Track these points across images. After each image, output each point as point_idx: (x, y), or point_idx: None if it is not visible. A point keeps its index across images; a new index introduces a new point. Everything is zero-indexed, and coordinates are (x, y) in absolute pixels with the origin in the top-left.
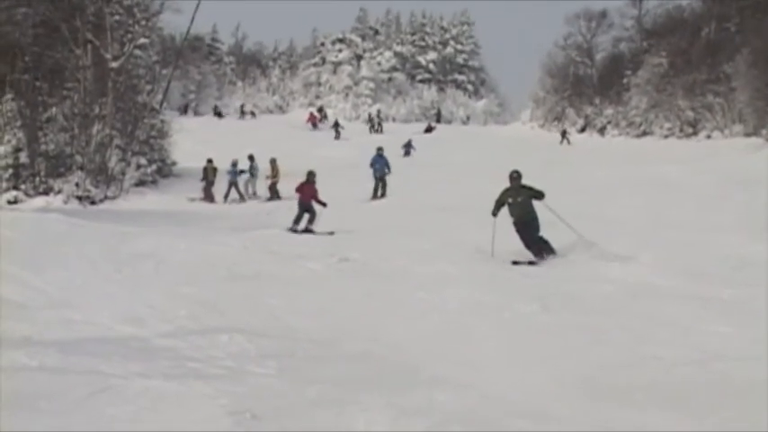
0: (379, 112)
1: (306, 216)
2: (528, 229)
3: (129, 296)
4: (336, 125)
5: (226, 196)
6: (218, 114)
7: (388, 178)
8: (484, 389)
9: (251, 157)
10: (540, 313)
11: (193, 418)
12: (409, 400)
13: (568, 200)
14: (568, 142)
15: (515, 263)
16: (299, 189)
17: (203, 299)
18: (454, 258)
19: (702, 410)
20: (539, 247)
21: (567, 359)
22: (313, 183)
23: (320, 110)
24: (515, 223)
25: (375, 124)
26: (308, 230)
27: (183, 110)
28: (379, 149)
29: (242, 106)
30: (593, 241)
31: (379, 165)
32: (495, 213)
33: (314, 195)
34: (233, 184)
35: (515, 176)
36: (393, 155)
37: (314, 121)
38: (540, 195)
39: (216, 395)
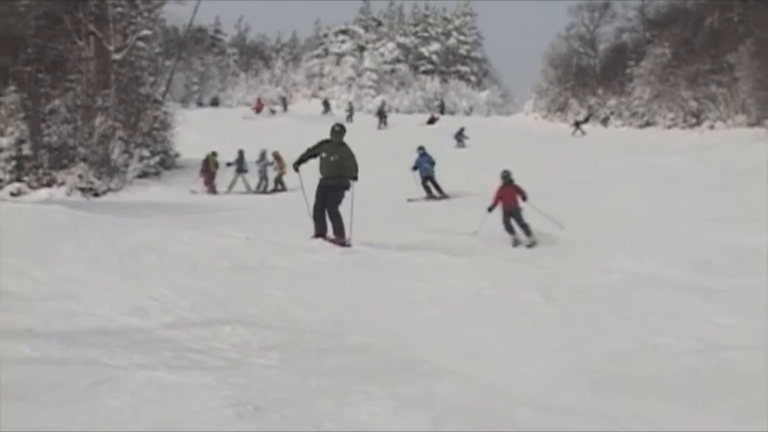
0: (383, 103)
1: (518, 229)
2: (329, 194)
3: (132, 288)
4: (381, 114)
5: (258, 187)
6: (284, 104)
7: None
8: (486, 379)
9: (240, 153)
10: (542, 304)
11: (196, 409)
12: (412, 390)
13: (572, 190)
14: (582, 132)
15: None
16: (500, 195)
17: (206, 290)
18: (457, 249)
19: (704, 400)
20: (339, 229)
21: (570, 349)
22: (511, 182)
23: (325, 102)
24: (321, 181)
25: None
26: (532, 245)
27: (215, 102)
28: (421, 149)
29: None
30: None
31: (423, 166)
32: (297, 165)
33: (520, 194)
34: (263, 174)
35: (338, 130)
36: (404, 150)
37: (259, 108)
38: (354, 172)
39: (218, 386)
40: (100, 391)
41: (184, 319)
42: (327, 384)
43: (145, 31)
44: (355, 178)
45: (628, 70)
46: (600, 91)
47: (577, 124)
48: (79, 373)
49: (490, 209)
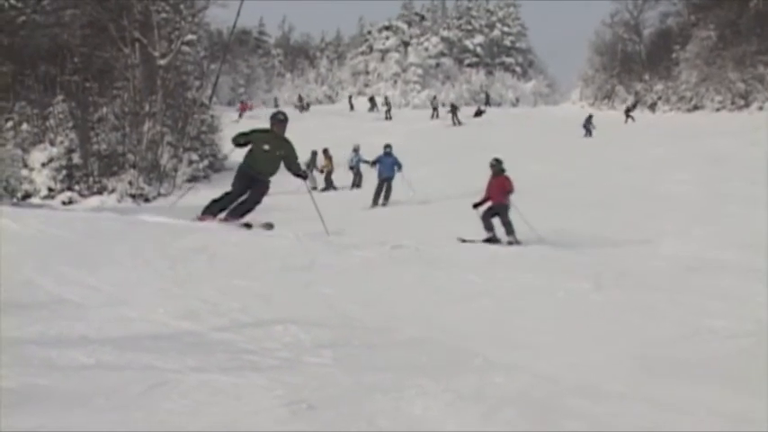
0: (434, 98)
1: (499, 227)
2: (260, 188)
3: (184, 292)
4: (454, 109)
5: (354, 183)
6: (350, 103)
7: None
8: (537, 370)
9: (313, 153)
10: (591, 292)
11: (250, 410)
12: (464, 384)
13: (622, 176)
14: (633, 119)
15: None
16: (489, 189)
17: (257, 291)
18: (504, 240)
19: (759, 383)
20: (242, 210)
21: (621, 336)
22: (501, 173)
23: (371, 99)
24: (249, 170)
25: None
26: (512, 243)
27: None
28: (387, 147)
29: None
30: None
31: (385, 166)
32: (238, 146)
33: (504, 189)
34: (357, 170)
35: (282, 119)
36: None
37: (243, 109)
38: (298, 169)
39: (272, 386)
40: (155, 396)
41: (236, 320)
42: (380, 380)
43: (189, 36)
44: (305, 176)
45: (674, 55)
46: (646, 76)
47: (628, 112)
48: (134, 378)
49: (477, 205)
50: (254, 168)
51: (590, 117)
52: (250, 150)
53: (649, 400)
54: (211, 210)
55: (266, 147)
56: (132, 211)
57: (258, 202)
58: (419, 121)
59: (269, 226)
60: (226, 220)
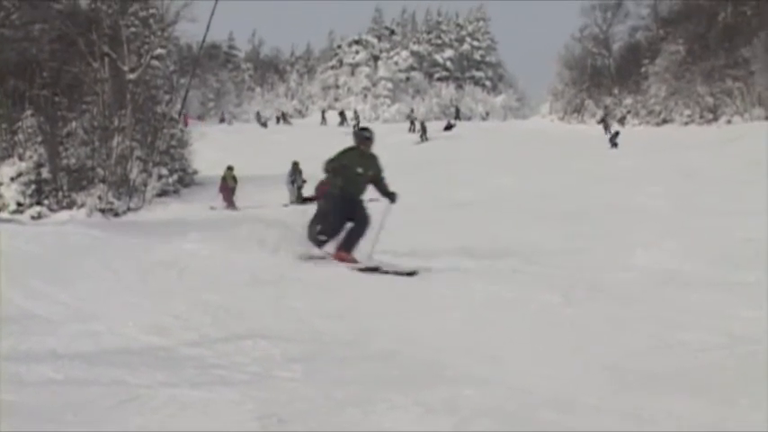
0: (412, 111)
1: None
2: (360, 213)
3: (154, 306)
4: (423, 127)
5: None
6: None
7: None
8: (509, 382)
9: (294, 164)
10: (563, 304)
11: (220, 425)
12: (435, 397)
13: (594, 190)
14: (610, 132)
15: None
16: (321, 191)
17: (227, 305)
18: (475, 254)
19: (730, 394)
20: (353, 241)
21: (593, 349)
22: None
23: (341, 113)
24: (346, 192)
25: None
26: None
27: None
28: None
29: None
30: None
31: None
32: (336, 179)
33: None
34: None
35: (368, 136)
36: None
37: (186, 122)
38: (386, 188)
39: (242, 401)
40: (125, 411)
41: (206, 335)
42: (351, 394)
43: (159, 50)
44: (394, 197)
45: (643, 69)
46: (616, 90)
47: (606, 125)
48: (103, 393)
49: (305, 199)
50: (351, 193)
51: (617, 133)
52: (342, 175)
53: (622, 413)
54: (319, 243)
55: (360, 170)
56: (102, 226)
57: (368, 227)
58: (389, 135)
59: (411, 273)
60: (342, 257)
